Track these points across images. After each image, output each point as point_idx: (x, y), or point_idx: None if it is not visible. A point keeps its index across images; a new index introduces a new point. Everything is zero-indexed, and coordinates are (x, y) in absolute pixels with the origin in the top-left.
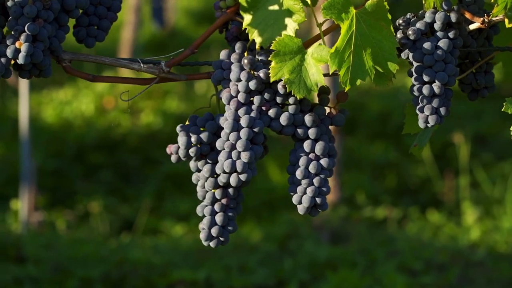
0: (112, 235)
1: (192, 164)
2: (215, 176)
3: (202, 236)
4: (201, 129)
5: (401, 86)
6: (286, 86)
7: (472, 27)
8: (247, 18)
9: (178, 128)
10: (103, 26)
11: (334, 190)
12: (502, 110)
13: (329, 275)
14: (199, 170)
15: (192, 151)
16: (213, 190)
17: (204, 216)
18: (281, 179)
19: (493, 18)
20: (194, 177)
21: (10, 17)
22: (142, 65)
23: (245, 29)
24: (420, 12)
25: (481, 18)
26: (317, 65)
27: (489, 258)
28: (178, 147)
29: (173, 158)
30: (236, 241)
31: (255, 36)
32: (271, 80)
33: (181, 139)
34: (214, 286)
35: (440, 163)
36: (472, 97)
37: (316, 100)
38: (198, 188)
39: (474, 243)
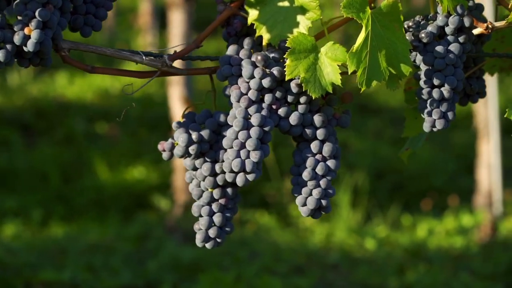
0: None
1: (188, 162)
2: (214, 175)
3: (198, 237)
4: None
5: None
6: (302, 84)
7: (475, 32)
8: (253, 13)
9: (174, 125)
10: (100, 15)
11: (187, 191)
12: (505, 116)
13: (201, 277)
14: (195, 169)
15: (192, 149)
16: (210, 190)
17: (200, 216)
18: (110, 177)
19: (496, 24)
20: (187, 176)
21: (17, 1)
22: (144, 57)
23: (245, 25)
24: (430, 15)
25: (485, 24)
26: (333, 64)
27: (343, 260)
28: (172, 144)
29: (165, 155)
30: (88, 241)
31: (263, 33)
32: (287, 78)
33: (182, 136)
34: (80, 287)
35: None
36: (463, 102)
37: None
38: (193, 187)
39: (323, 245)
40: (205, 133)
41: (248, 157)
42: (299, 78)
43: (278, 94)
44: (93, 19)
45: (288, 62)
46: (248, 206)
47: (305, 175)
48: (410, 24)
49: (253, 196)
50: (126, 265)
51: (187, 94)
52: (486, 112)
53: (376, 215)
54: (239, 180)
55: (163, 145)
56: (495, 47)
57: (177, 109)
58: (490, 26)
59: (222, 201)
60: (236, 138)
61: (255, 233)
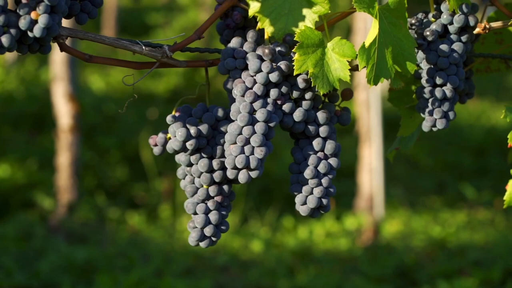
0: None
1: (183, 158)
2: (211, 171)
3: (193, 235)
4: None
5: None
6: (311, 80)
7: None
8: (254, 5)
9: (169, 119)
10: (96, 1)
11: (72, 190)
12: (502, 117)
13: (99, 278)
14: (190, 165)
15: (190, 144)
16: (205, 187)
17: (195, 214)
18: None
19: (493, 25)
20: (180, 172)
21: None
22: (144, 47)
23: (245, 17)
24: (433, 13)
25: (483, 24)
26: (341, 60)
27: (232, 263)
28: (165, 139)
29: (157, 150)
30: None
31: (266, 26)
32: (295, 72)
33: (180, 131)
34: None
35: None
36: None
37: None
38: (186, 184)
39: (207, 247)
40: (203, 127)
41: (252, 153)
42: (306, 74)
43: (283, 89)
44: (89, 6)
45: (296, 56)
46: (117, 207)
47: (307, 173)
48: (413, 21)
49: (122, 197)
50: (16, 264)
51: (72, 90)
52: (369, 116)
53: (253, 217)
54: (242, 177)
55: (154, 140)
56: (475, 49)
57: (62, 106)
58: (487, 26)
59: (218, 198)
60: (240, 133)
61: (135, 234)
